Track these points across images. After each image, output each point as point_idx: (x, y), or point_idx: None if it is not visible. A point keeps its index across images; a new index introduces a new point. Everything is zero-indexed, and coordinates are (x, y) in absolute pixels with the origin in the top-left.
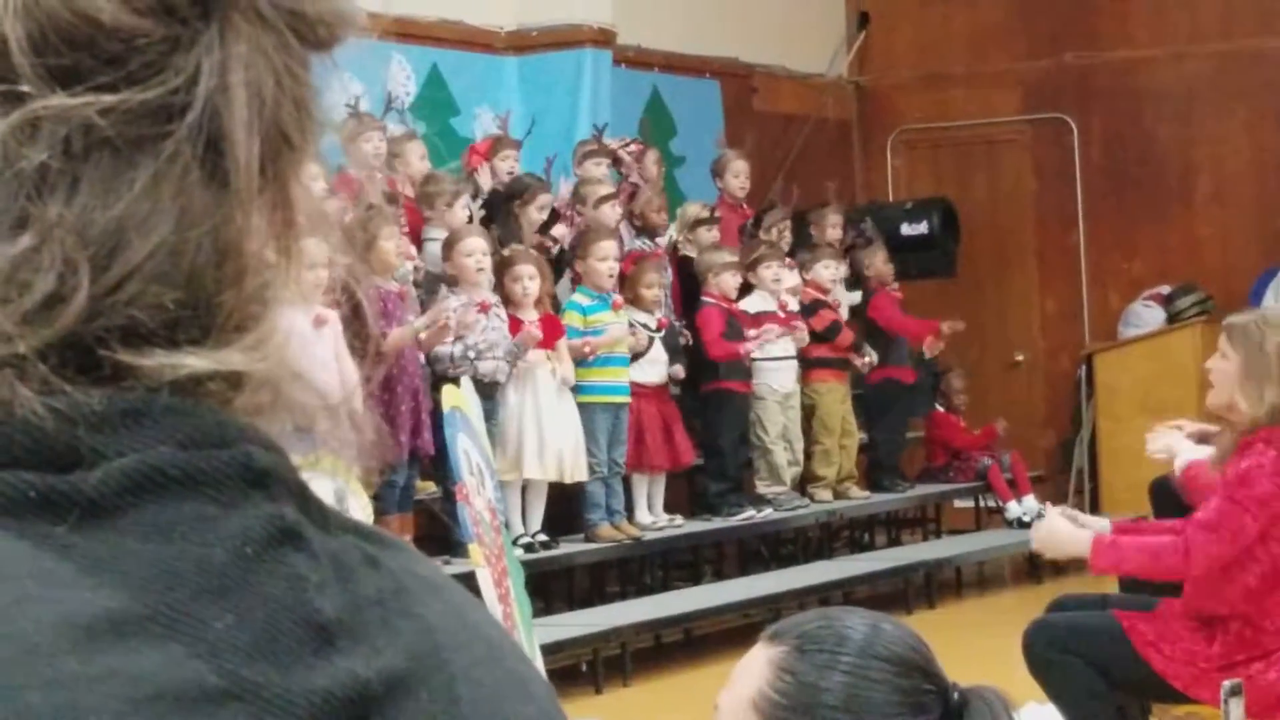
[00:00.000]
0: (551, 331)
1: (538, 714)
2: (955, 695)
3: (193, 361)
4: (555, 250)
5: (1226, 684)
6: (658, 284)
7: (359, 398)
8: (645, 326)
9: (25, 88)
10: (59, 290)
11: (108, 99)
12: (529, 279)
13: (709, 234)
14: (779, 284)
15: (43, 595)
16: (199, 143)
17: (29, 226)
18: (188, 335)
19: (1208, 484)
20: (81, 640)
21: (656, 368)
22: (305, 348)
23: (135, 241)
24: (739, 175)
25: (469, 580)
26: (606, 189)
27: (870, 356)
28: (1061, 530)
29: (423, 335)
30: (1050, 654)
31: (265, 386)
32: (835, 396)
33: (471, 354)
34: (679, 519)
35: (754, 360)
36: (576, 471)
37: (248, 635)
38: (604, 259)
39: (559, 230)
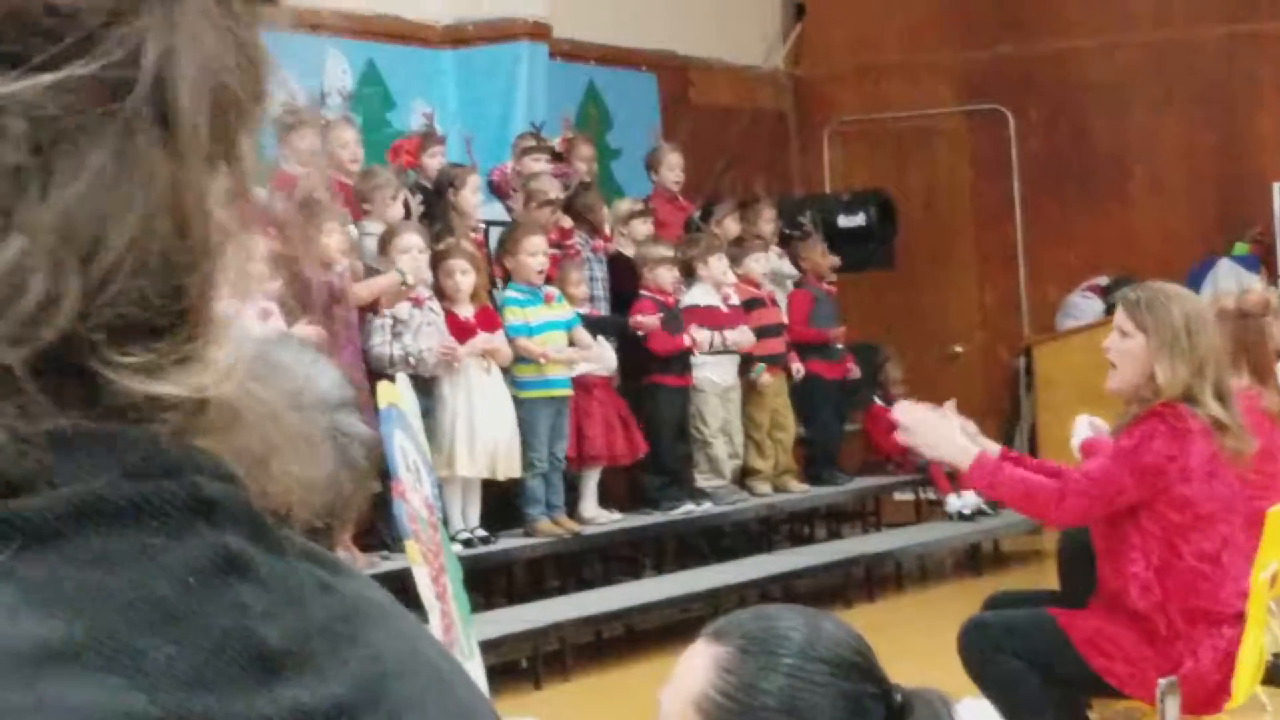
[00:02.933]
0: (488, 325)
1: None
2: (898, 697)
3: (158, 388)
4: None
5: (1162, 682)
6: (583, 280)
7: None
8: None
9: None
10: (51, 293)
11: (46, 77)
12: (461, 273)
13: (644, 227)
14: (726, 276)
15: None
16: (152, 114)
17: (15, 229)
18: (162, 333)
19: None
20: (19, 669)
21: (604, 359)
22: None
23: (112, 232)
24: (674, 168)
25: (405, 577)
26: (552, 191)
27: (798, 366)
28: (945, 430)
29: (405, 283)
30: (986, 653)
31: (225, 407)
32: (764, 391)
33: (412, 358)
34: (617, 514)
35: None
36: (510, 468)
37: (189, 665)
38: (533, 254)
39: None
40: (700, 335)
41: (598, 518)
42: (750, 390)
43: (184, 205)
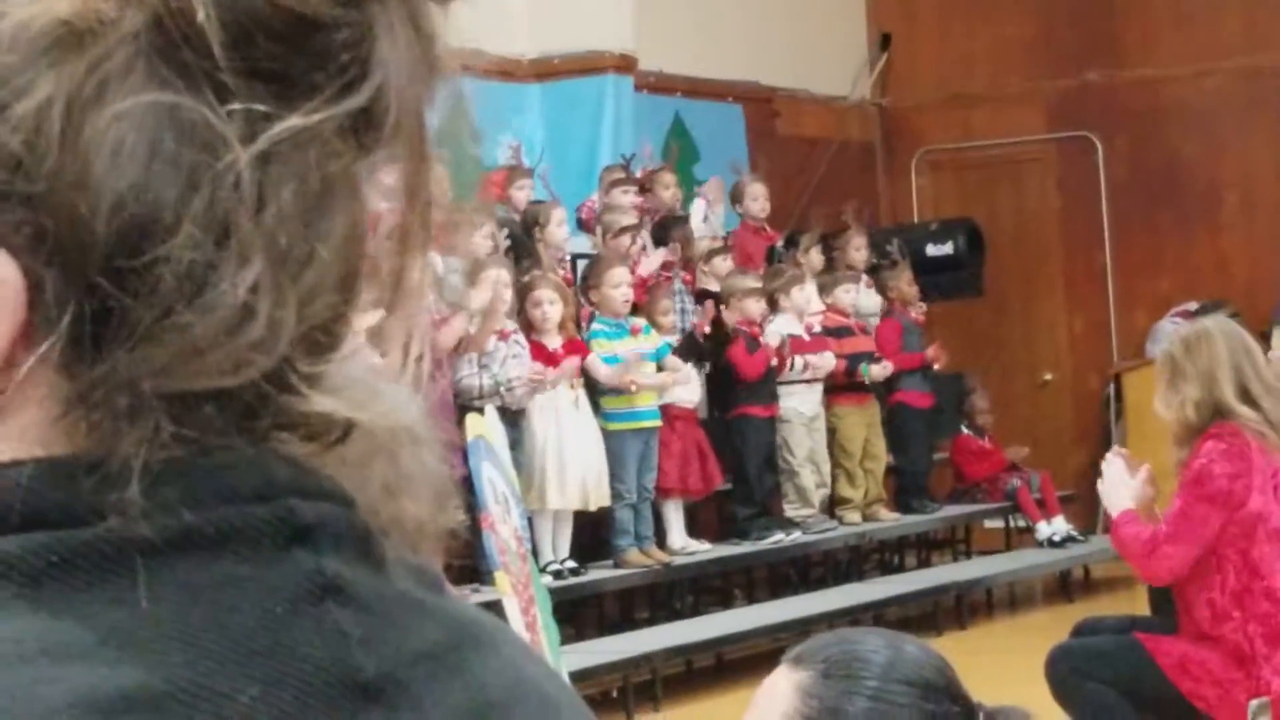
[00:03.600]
0: (573, 356)
1: None
2: (982, 716)
3: (322, 404)
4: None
5: (1253, 704)
6: (673, 309)
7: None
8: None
9: (234, 98)
10: (275, 318)
11: (330, 111)
12: (549, 304)
13: (725, 264)
14: (810, 305)
15: (57, 675)
16: (361, 123)
17: (249, 251)
18: (332, 346)
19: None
20: None
21: (690, 390)
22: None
23: (321, 249)
24: (758, 199)
25: (495, 608)
26: (628, 219)
27: (885, 364)
28: (1121, 489)
29: (473, 324)
30: (1074, 679)
31: (367, 433)
32: (855, 420)
33: (503, 387)
34: (706, 544)
35: (779, 383)
36: (599, 498)
37: (276, 706)
38: (617, 286)
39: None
40: (781, 348)
41: (687, 548)
42: (850, 414)
43: (368, 205)
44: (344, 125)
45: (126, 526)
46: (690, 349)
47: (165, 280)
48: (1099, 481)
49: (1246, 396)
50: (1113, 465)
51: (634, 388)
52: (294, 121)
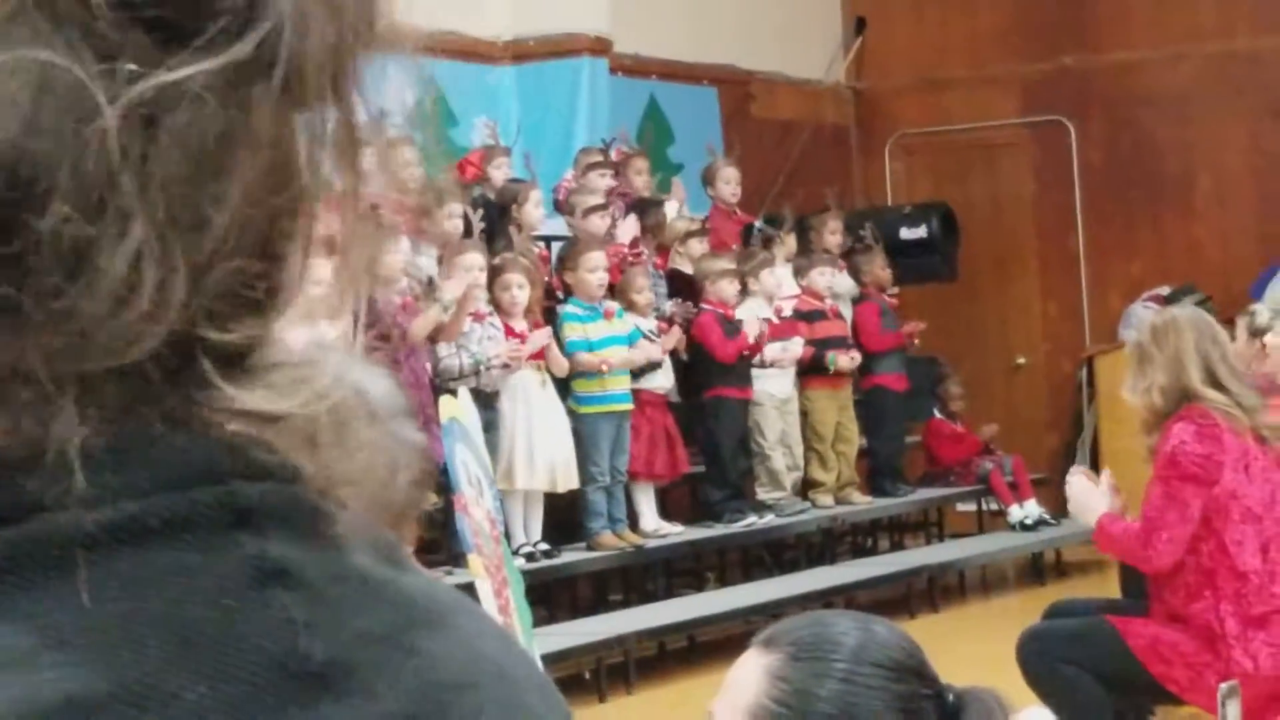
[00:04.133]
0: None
1: None
2: (951, 698)
3: (249, 399)
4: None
5: (1223, 687)
6: (648, 288)
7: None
8: (649, 334)
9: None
10: (163, 283)
11: (211, 63)
12: (518, 287)
13: (700, 246)
14: (780, 289)
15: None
16: (263, 66)
17: (129, 214)
18: (260, 310)
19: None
20: None
21: (664, 376)
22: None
23: (218, 206)
24: (730, 182)
25: (468, 591)
26: (596, 199)
27: (852, 355)
28: (1092, 496)
29: (447, 314)
30: (1046, 662)
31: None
32: (827, 402)
33: (482, 366)
34: (679, 526)
35: (751, 366)
36: (567, 480)
37: (224, 701)
38: (593, 270)
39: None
40: (751, 327)
41: (659, 530)
42: (822, 397)
43: (291, 165)
44: (236, 79)
45: (67, 520)
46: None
47: (45, 259)
48: (1069, 504)
49: (1214, 381)
50: (1076, 482)
51: (605, 368)
52: (170, 75)
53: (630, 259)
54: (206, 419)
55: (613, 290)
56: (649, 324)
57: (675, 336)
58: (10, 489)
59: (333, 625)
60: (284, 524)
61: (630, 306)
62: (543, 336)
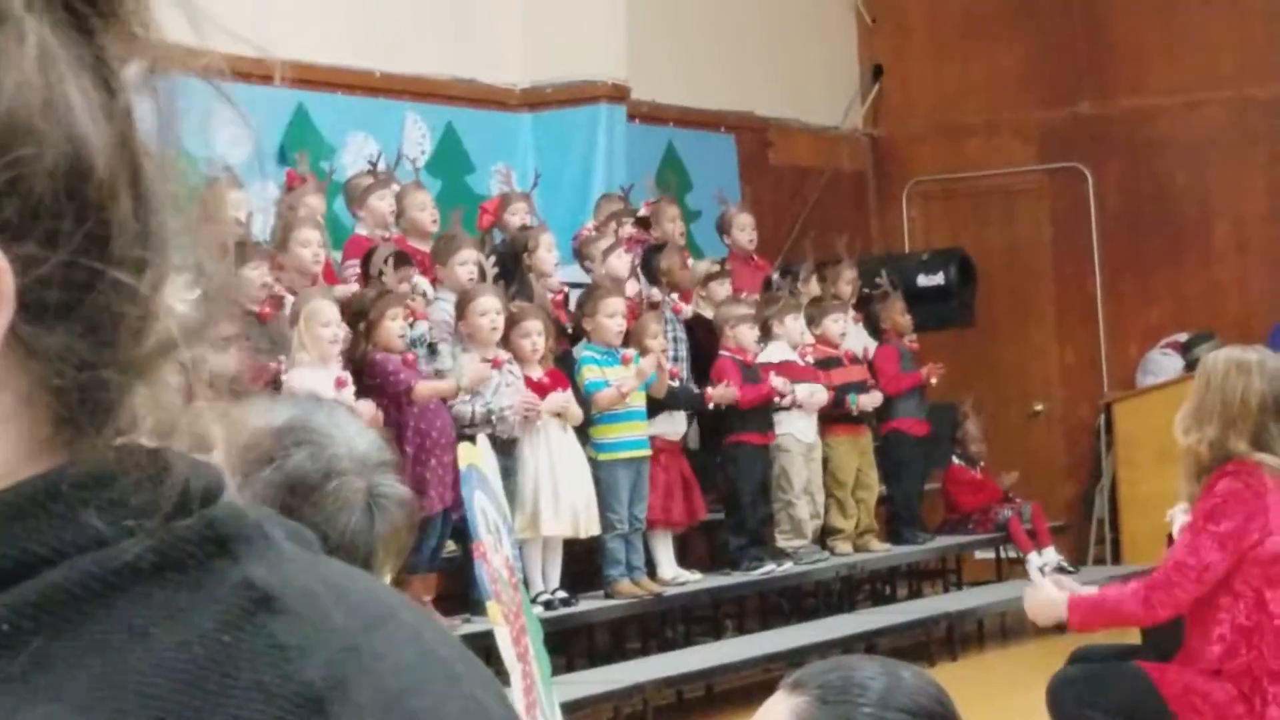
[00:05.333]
0: (555, 387)
1: None
2: None
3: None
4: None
5: None
6: (662, 334)
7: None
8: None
9: None
10: None
11: None
12: (537, 335)
13: (722, 289)
14: (804, 336)
15: None
16: None
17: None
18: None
19: None
20: None
21: (675, 423)
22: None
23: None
24: (745, 229)
25: (487, 639)
26: (608, 242)
27: (874, 393)
28: (1044, 593)
29: (460, 393)
30: (1076, 708)
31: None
32: (847, 449)
33: (494, 415)
34: (697, 574)
35: (778, 409)
36: (589, 526)
37: None
38: (612, 315)
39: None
40: (778, 381)
41: (678, 578)
42: (843, 444)
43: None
44: None
45: (78, 569)
46: (684, 402)
47: None
48: (1030, 613)
49: (1263, 446)
50: (1028, 593)
51: (624, 391)
52: None
53: (650, 305)
54: (133, 446)
55: (627, 338)
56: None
57: (652, 363)
58: (9, 539)
59: (318, 646)
60: (249, 542)
61: (644, 353)
62: (563, 399)
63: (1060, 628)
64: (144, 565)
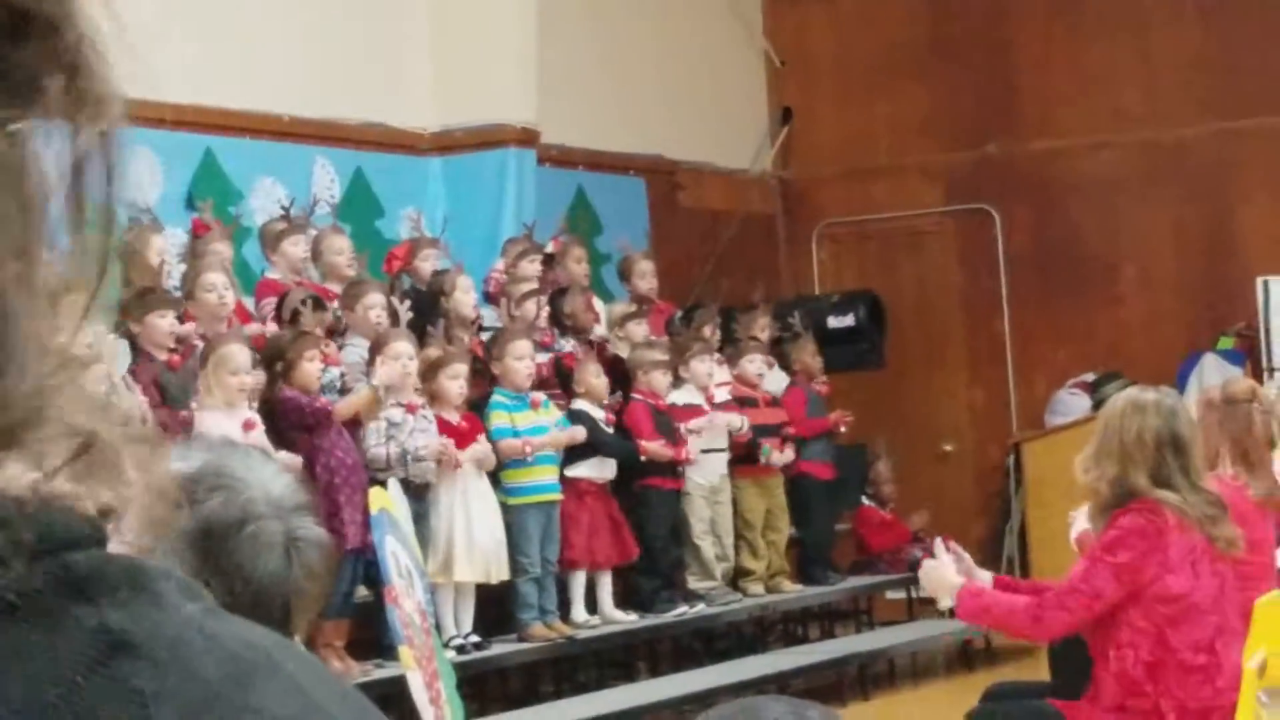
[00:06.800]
0: (473, 431)
1: None
2: None
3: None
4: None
5: None
6: (602, 372)
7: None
8: (595, 421)
9: None
10: None
11: None
12: (463, 379)
13: (638, 329)
14: (711, 378)
15: None
16: None
17: None
18: None
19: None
20: None
21: (605, 468)
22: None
23: None
24: (645, 275)
25: (399, 683)
26: (530, 285)
27: (787, 453)
28: (941, 573)
29: (380, 398)
30: None
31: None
32: (756, 492)
33: (409, 457)
34: (634, 615)
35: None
36: (499, 571)
37: None
38: (520, 358)
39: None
40: (692, 430)
41: (590, 621)
42: (751, 486)
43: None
44: None
45: None
46: (613, 451)
47: None
48: (924, 586)
49: (1163, 483)
50: (926, 564)
51: (529, 450)
52: None
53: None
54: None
55: (566, 381)
56: (599, 413)
57: (580, 434)
58: None
59: (176, 692)
60: (113, 590)
61: (588, 393)
62: (482, 451)
63: (969, 665)
64: None
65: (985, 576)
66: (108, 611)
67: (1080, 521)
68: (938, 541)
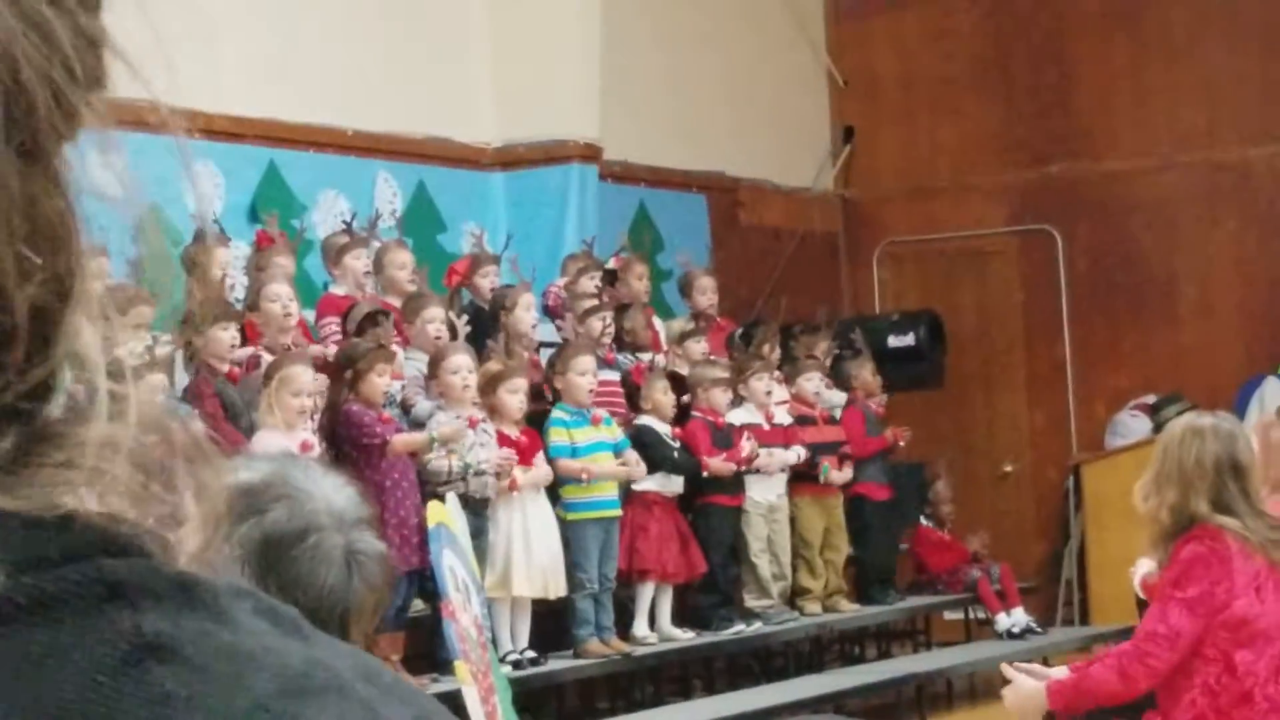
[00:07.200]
0: (532, 446)
1: None
2: None
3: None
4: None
5: None
6: (669, 390)
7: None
8: (660, 436)
9: None
10: None
11: None
12: (523, 392)
13: (698, 346)
14: (770, 397)
15: None
16: None
17: None
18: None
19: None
20: None
21: (672, 482)
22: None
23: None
24: (705, 292)
25: (455, 698)
26: (590, 302)
27: (845, 471)
28: (1020, 685)
29: (433, 448)
30: None
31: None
32: (815, 510)
33: (472, 470)
34: (690, 633)
35: (748, 472)
36: (557, 587)
37: None
38: (583, 374)
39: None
40: (747, 446)
41: (647, 638)
42: (809, 505)
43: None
44: None
45: None
46: (677, 468)
47: None
48: (1007, 705)
49: (1224, 509)
50: (1006, 692)
51: (586, 476)
52: None
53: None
54: (50, 496)
55: (633, 397)
56: (665, 429)
57: (640, 473)
58: None
59: (210, 698)
60: (158, 598)
61: (655, 409)
62: (542, 475)
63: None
64: (18, 602)
65: (1059, 672)
66: (146, 616)
67: (1143, 567)
68: (1004, 666)
